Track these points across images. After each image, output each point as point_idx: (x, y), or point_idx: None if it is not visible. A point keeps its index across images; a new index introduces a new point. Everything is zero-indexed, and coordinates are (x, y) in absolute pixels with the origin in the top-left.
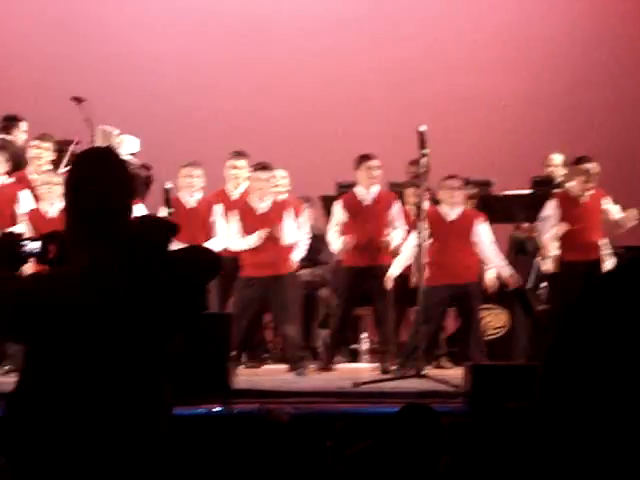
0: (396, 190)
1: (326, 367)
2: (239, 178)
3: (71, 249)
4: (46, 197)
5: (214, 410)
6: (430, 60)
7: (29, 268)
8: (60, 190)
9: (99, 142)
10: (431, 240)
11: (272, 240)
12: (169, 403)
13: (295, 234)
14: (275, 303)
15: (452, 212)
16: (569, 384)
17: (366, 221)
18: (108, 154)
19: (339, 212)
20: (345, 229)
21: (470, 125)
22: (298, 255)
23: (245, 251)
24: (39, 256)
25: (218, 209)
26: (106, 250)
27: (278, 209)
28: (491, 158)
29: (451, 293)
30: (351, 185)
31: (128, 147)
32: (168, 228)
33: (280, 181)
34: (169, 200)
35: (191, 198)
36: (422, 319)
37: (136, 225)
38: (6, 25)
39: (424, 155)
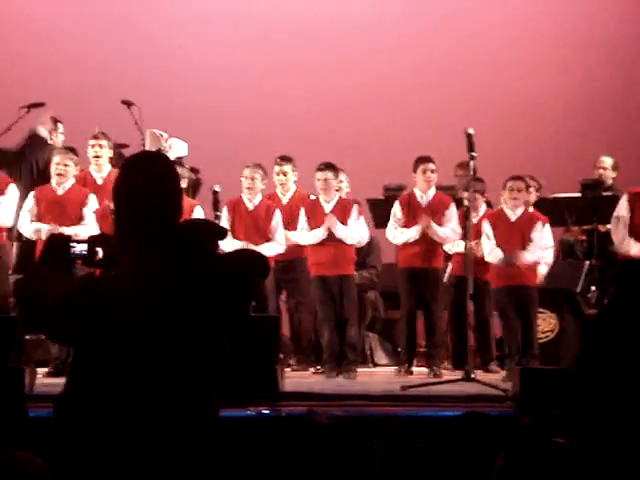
0: (447, 193)
1: (408, 371)
2: (286, 183)
3: (120, 252)
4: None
5: (263, 412)
6: (478, 61)
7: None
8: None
9: (148, 145)
10: (494, 241)
11: (337, 239)
12: (216, 405)
13: (362, 233)
14: (341, 303)
15: (515, 213)
16: (595, 390)
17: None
18: (157, 158)
19: (398, 210)
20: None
21: (518, 127)
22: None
23: (313, 250)
24: (86, 258)
25: (278, 213)
26: (154, 253)
27: (344, 207)
28: (539, 160)
29: (514, 294)
30: (399, 188)
31: (177, 150)
32: (217, 231)
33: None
34: (218, 202)
35: (252, 200)
36: (503, 322)
37: (185, 228)
38: (59, 28)
39: (472, 158)
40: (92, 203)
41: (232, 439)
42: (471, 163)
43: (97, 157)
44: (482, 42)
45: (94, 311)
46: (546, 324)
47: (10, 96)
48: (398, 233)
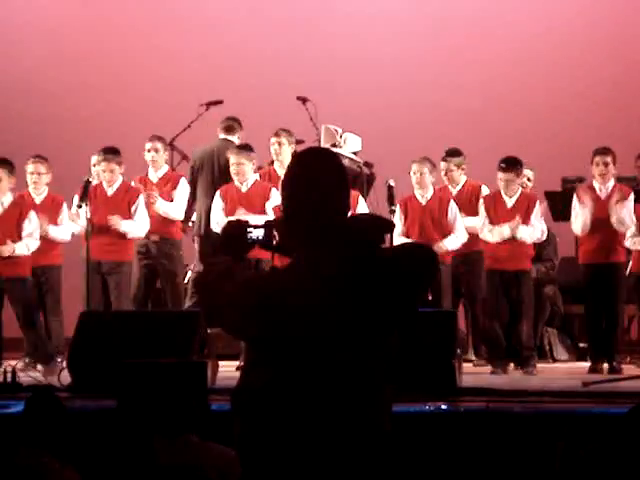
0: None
1: (594, 368)
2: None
3: (290, 245)
4: None
5: (441, 408)
6: None
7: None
8: None
9: (323, 141)
10: None
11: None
12: (389, 401)
13: (541, 230)
14: (517, 299)
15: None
16: None
17: (603, 216)
18: (325, 153)
19: (577, 202)
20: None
21: None
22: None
23: (489, 243)
24: (263, 242)
25: (454, 205)
26: (323, 250)
27: (526, 203)
28: None
29: None
30: (578, 180)
31: (351, 145)
32: (384, 225)
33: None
34: (392, 197)
35: (424, 195)
36: None
37: (353, 223)
38: (234, 27)
39: None
40: (274, 197)
41: (410, 434)
42: None
43: (277, 154)
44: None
45: (264, 309)
46: None
47: (188, 94)
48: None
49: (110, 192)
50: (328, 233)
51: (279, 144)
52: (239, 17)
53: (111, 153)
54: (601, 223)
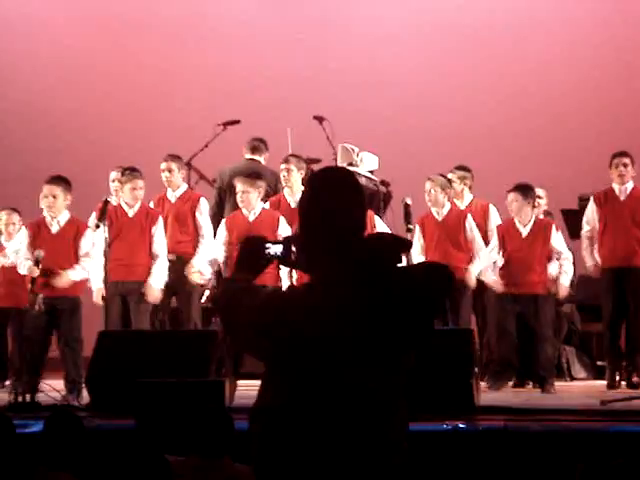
0: None
1: (612, 385)
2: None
3: (307, 264)
4: None
5: (459, 426)
6: None
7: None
8: None
9: (340, 160)
10: None
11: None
12: (405, 419)
13: (562, 249)
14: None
15: None
16: None
17: (620, 218)
18: (342, 173)
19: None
20: (602, 228)
21: None
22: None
23: (504, 267)
24: (282, 258)
25: (471, 221)
26: (340, 269)
27: (542, 231)
28: None
29: None
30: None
31: (368, 164)
32: (401, 245)
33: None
34: (408, 215)
35: (439, 211)
36: None
37: (369, 242)
38: (250, 45)
39: None
40: (283, 226)
41: (428, 453)
42: None
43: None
44: None
45: (279, 328)
46: None
47: (205, 114)
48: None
49: (131, 214)
50: (344, 252)
51: (288, 170)
52: (255, 37)
53: (134, 171)
54: (621, 226)
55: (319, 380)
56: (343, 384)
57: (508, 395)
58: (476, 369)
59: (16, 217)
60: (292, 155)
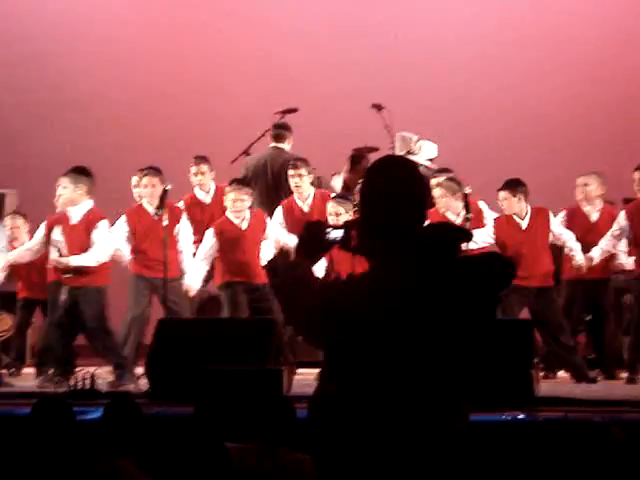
0: None
1: None
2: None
3: (366, 251)
4: None
5: (518, 417)
6: None
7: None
8: None
9: (398, 148)
10: None
11: None
12: (466, 409)
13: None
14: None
15: None
16: None
17: None
18: (401, 163)
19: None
20: None
21: None
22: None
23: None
24: (342, 243)
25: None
26: (397, 259)
27: (607, 218)
28: None
29: None
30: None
31: (427, 153)
32: (460, 235)
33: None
34: (468, 204)
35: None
36: None
37: (428, 233)
38: (308, 34)
39: None
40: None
41: (488, 443)
42: None
43: (297, 187)
44: None
45: (336, 317)
46: None
47: (264, 101)
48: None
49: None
50: (403, 243)
51: (299, 176)
52: (313, 25)
53: (154, 169)
54: None
55: (381, 368)
56: (404, 372)
57: (568, 386)
58: (535, 360)
59: (20, 220)
60: (300, 159)
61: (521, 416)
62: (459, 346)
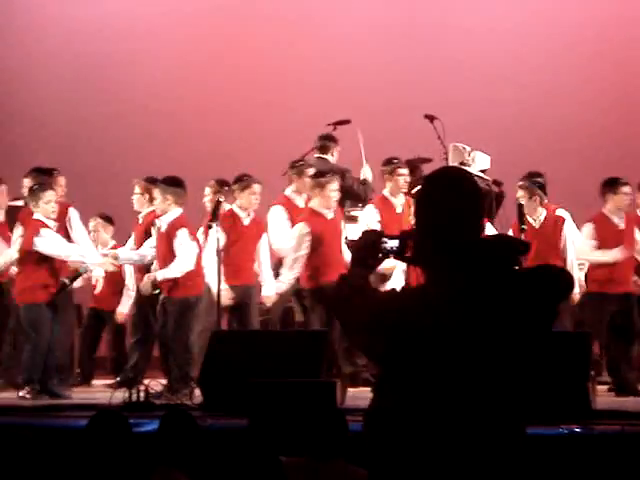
0: None
1: None
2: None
3: (422, 263)
4: None
5: (574, 430)
6: None
7: None
8: None
9: (451, 159)
10: None
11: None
12: (524, 422)
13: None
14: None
15: None
16: None
17: None
18: (460, 176)
19: None
20: None
21: None
22: None
23: (601, 266)
24: (398, 253)
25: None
26: (454, 271)
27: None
28: None
29: None
30: None
31: (479, 164)
32: (518, 247)
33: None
34: (522, 216)
35: (533, 216)
36: None
37: (485, 245)
38: (360, 44)
39: None
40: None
41: (545, 456)
42: None
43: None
44: None
45: (392, 328)
46: None
47: (316, 114)
48: None
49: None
50: (460, 253)
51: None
52: (364, 36)
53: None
54: None
55: (437, 382)
56: (464, 387)
57: (625, 399)
58: (592, 373)
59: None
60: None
61: (577, 429)
62: (519, 359)
